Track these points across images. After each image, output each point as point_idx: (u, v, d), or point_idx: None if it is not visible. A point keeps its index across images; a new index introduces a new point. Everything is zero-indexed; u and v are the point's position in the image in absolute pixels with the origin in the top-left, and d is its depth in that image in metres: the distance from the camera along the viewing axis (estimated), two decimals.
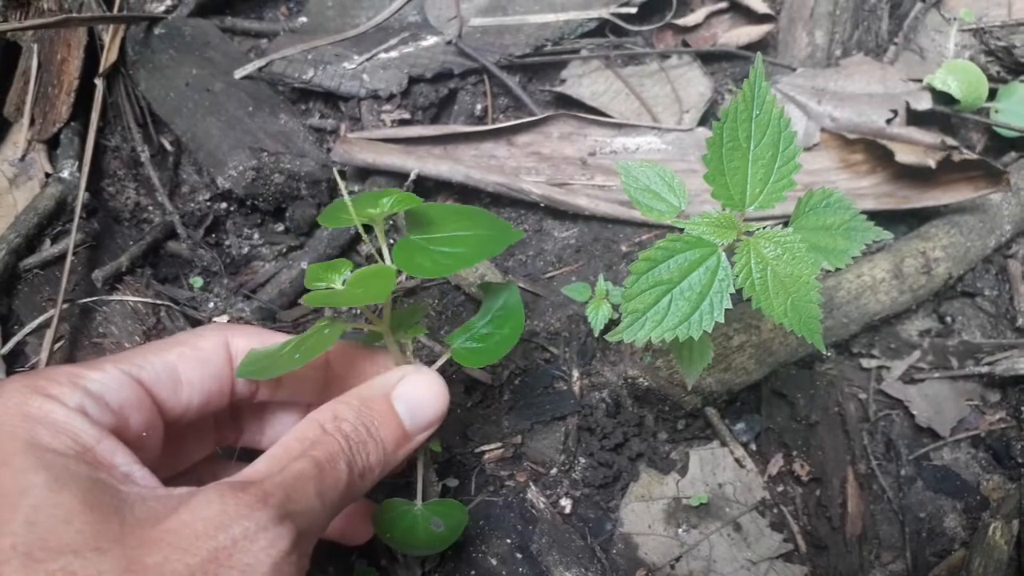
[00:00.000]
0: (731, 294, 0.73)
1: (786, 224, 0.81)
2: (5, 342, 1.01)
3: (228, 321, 1.04)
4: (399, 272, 0.73)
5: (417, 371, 0.74)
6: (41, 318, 1.01)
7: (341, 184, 0.76)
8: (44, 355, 0.96)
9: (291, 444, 0.64)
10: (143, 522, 0.53)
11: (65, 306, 1.00)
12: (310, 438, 0.64)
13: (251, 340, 0.73)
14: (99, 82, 1.17)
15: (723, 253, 0.74)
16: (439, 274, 0.74)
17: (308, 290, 1.10)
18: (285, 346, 0.71)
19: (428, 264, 0.73)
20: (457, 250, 0.74)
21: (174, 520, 0.53)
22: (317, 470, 0.61)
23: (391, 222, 0.84)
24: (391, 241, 0.76)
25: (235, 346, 0.72)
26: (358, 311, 1.03)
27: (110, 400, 0.61)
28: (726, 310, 0.73)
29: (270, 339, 0.74)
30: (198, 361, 0.69)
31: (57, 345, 0.99)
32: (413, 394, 0.72)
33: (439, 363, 0.81)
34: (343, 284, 0.72)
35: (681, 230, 0.75)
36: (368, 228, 0.78)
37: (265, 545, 0.54)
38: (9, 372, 1.00)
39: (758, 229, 0.76)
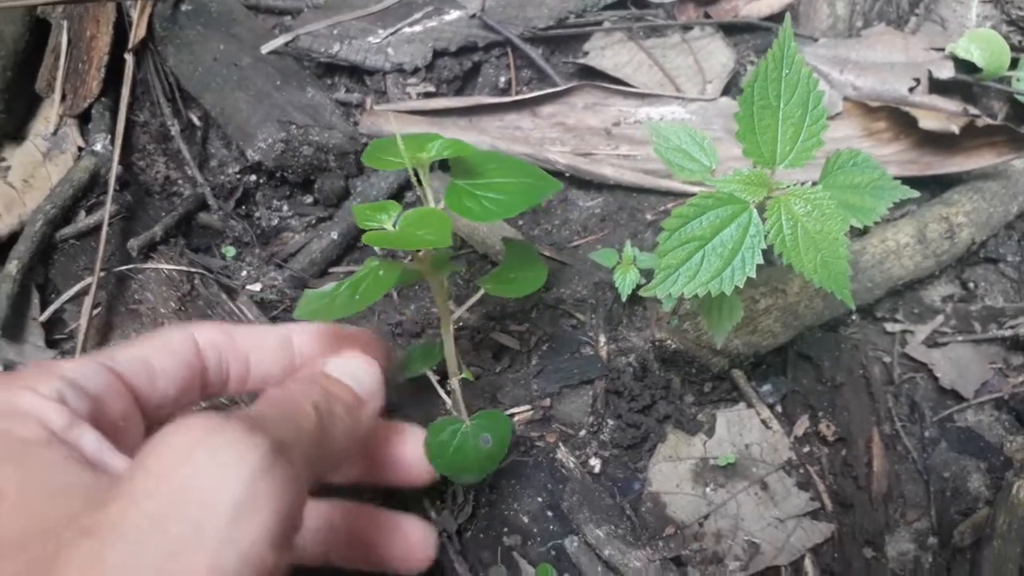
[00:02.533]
0: (761, 251, 0.74)
1: (813, 185, 0.83)
2: (43, 309, 1.03)
3: (261, 289, 1.06)
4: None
5: (337, 356, 0.73)
6: (78, 286, 1.03)
7: (397, 132, 0.76)
8: (84, 320, 0.98)
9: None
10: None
11: (102, 274, 1.02)
12: (268, 396, 0.62)
13: (216, 333, 0.72)
14: (128, 58, 1.19)
15: (754, 210, 0.75)
16: (487, 219, 0.76)
17: (339, 260, 1.14)
18: (339, 287, 0.73)
19: (476, 208, 0.75)
20: (501, 197, 0.76)
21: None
22: (282, 404, 0.60)
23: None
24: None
25: (202, 337, 0.71)
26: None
27: (86, 386, 0.60)
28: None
29: (235, 332, 0.73)
30: (169, 351, 0.69)
31: (95, 311, 1.01)
32: (346, 365, 0.71)
33: (471, 301, 0.86)
34: (395, 225, 0.74)
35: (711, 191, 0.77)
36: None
37: (234, 455, 0.48)
38: (48, 339, 1.02)
39: (788, 187, 0.77)
